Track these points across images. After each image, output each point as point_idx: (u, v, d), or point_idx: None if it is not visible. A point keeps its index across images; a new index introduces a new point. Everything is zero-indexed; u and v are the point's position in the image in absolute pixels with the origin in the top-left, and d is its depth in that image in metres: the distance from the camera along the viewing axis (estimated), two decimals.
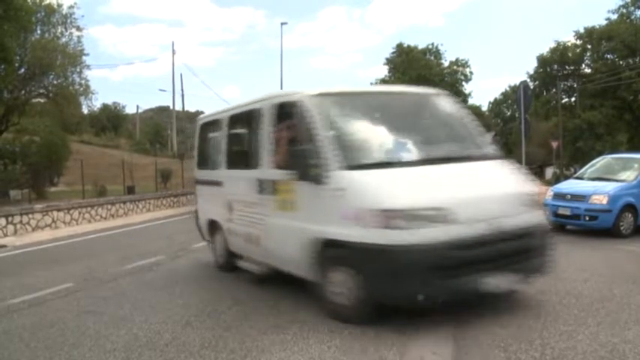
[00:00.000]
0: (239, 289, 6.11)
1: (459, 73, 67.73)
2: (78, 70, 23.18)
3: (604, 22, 38.68)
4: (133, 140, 47.68)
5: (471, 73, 67.62)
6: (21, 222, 13.48)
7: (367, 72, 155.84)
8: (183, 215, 16.33)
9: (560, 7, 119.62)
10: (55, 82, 22.98)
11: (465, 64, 67.60)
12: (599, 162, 11.20)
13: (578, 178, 11.28)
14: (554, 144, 33.99)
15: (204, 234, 7.76)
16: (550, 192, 10.66)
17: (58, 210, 14.84)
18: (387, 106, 5.62)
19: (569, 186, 10.79)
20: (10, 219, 13.17)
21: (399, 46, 68.09)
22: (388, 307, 4.60)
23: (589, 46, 40.02)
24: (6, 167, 17.70)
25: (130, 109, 60.36)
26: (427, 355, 3.83)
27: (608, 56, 38.82)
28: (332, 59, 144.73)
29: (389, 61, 69.70)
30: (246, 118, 6.39)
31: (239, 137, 6.87)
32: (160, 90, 63.03)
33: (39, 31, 22.34)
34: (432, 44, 67.84)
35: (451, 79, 67.00)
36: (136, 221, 15.81)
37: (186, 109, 49.00)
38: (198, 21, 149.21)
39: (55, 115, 24.18)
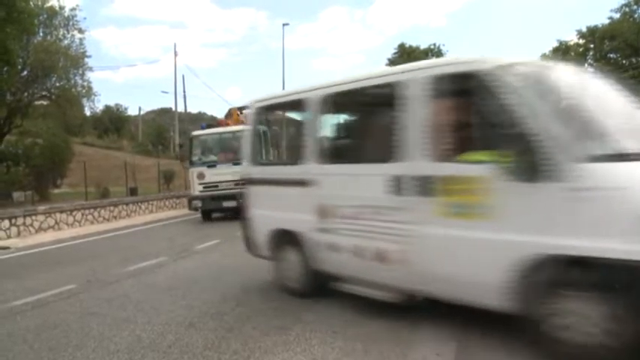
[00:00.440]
0: (242, 290, 6.10)
1: None
2: (80, 72, 23.24)
3: (607, 22, 38.56)
4: (135, 142, 47.72)
5: None
6: (24, 224, 13.51)
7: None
8: (185, 216, 16.36)
9: (562, 6, 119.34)
10: (57, 84, 23.03)
11: None
12: None
13: None
14: None
15: (260, 248, 6.04)
16: None
17: (61, 212, 14.87)
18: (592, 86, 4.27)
19: None
20: (13, 221, 13.20)
21: (401, 46, 68.22)
22: (388, 307, 4.59)
23: (592, 46, 39.93)
24: (9, 169, 17.73)
25: (133, 111, 60.38)
26: (430, 356, 3.82)
27: (611, 55, 38.73)
28: (334, 60, 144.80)
29: (391, 62, 69.75)
30: (366, 97, 5.11)
31: (351, 122, 5.56)
32: (163, 92, 63.35)
33: (41, 34, 22.38)
34: (434, 44, 67.54)
35: None
36: (138, 222, 15.82)
37: (188, 110, 49.06)
38: (199, 22, 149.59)
39: (58, 117, 24.23)
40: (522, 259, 3.52)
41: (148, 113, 64.78)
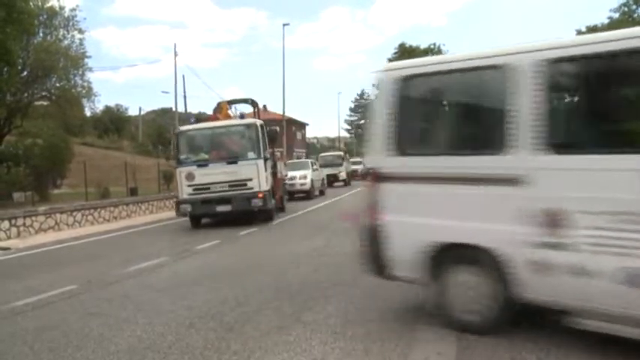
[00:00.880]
0: (242, 290, 6.10)
1: None
2: (80, 72, 23.29)
3: (606, 22, 38.59)
4: (135, 142, 47.73)
5: None
6: (24, 224, 13.51)
7: (370, 72, 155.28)
8: (186, 217, 16.34)
9: (562, 6, 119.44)
10: (57, 84, 23.07)
11: None
12: None
13: None
14: None
15: (402, 268, 4.50)
16: None
17: (61, 212, 14.87)
18: None
19: None
20: (13, 221, 13.21)
21: (402, 46, 68.17)
22: (388, 307, 4.59)
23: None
24: (9, 170, 17.73)
25: (133, 111, 60.44)
26: (432, 356, 3.81)
27: None
28: (335, 60, 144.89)
29: (391, 61, 69.64)
30: (622, 62, 3.69)
31: (594, 94, 3.99)
32: (163, 92, 63.32)
33: (41, 34, 22.43)
34: (434, 44, 67.54)
35: None
36: (139, 223, 15.82)
37: (188, 110, 49.08)
38: (200, 22, 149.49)
39: (58, 117, 24.27)
40: None
41: (149, 113, 64.82)
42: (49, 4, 22.29)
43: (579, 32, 40.15)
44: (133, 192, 20.13)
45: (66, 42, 23.07)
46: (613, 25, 36.96)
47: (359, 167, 44.59)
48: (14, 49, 17.60)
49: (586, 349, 3.82)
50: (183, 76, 54.96)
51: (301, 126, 64.20)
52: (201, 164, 12.99)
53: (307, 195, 22.00)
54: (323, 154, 39.29)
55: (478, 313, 4.12)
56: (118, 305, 5.78)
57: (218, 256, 8.92)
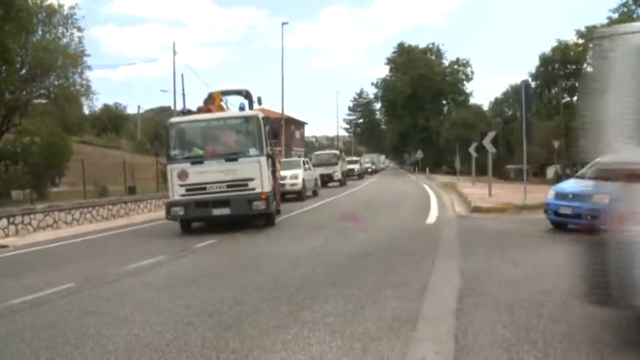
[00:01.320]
0: (240, 289, 6.10)
1: (460, 73, 67.90)
2: (79, 70, 23.27)
3: (606, 22, 38.63)
4: (134, 141, 47.68)
5: (472, 72, 68.05)
6: (22, 222, 13.49)
7: (369, 72, 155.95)
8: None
9: (561, 6, 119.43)
10: (56, 82, 23.03)
11: (465, 64, 67.89)
12: None
13: (579, 177, 11.25)
14: (556, 143, 33.97)
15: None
16: (552, 191, 10.65)
17: (60, 210, 14.85)
18: None
19: (570, 185, 10.77)
20: (11, 219, 13.19)
21: (400, 45, 68.04)
22: (386, 306, 4.60)
23: (591, 45, 40.00)
24: (7, 168, 17.71)
25: (132, 110, 60.33)
26: (429, 355, 3.81)
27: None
28: (333, 59, 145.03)
29: (390, 61, 69.83)
30: None
31: None
32: (162, 90, 63.24)
33: (40, 32, 22.38)
34: (433, 44, 67.54)
35: (452, 79, 67.31)
36: (137, 221, 15.81)
37: (187, 109, 48.94)
38: (199, 21, 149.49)
39: (57, 115, 24.21)
40: None
41: (147, 112, 64.67)
42: (47, 2, 22.28)
43: (579, 32, 40.26)
44: (132, 190, 20.12)
45: (65, 40, 23.06)
46: (613, 24, 37.01)
47: (355, 166, 44.14)
48: (13, 47, 17.57)
49: (584, 349, 3.83)
50: (182, 75, 54.77)
51: (300, 125, 64.20)
52: (196, 161, 11.50)
53: (298, 196, 20.76)
54: (317, 153, 38.23)
55: None
56: (116, 303, 5.77)
57: (216, 255, 8.91)
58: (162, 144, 13.30)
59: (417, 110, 64.34)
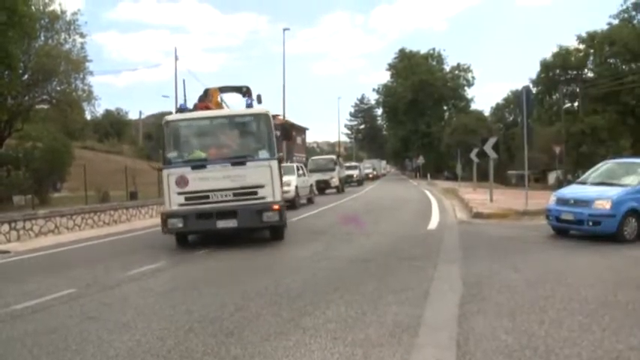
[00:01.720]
0: (241, 295, 6.09)
1: (461, 78, 68.04)
2: (81, 76, 23.30)
3: (606, 27, 38.75)
4: (136, 146, 47.77)
5: (473, 78, 68.24)
6: (24, 228, 13.50)
7: (370, 77, 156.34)
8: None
9: (562, 12, 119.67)
10: (58, 88, 23.09)
11: (467, 69, 68.04)
12: (603, 167, 11.17)
13: (581, 183, 11.25)
14: (557, 148, 33.97)
15: None
16: (553, 197, 10.65)
17: (61, 216, 14.85)
18: None
19: (572, 191, 10.77)
20: (13, 225, 13.19)
21: (402, 51, 68.17)
22: (388, 312, 4.59)
23: (592, 51, 40.07)
24: (9, 173, 17.73)
25: (133, 115, 60.50)
26: None
27: (611, 61, 38.86)
28: (335, 65, 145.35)
29: (391, 67, 69.98)
30: None
31: None
32: (164, 96, 63.37)
33: (43, 38, 22.45)
34: (434, 49, 67.69)
35: (453, 84, 67.43)
36: (138, 227, 15.81)
37: None
38: (201, 27, 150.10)
39: (59, 121, 24.27)
40: None
41: (149, 117, 64.83)
42: (50, 8, 22.35)
43: (579, 38, 40.31)
44: (133, 196, 20.12)
45: (67, 46, 23.11)
46: (613, 30, 37.06)
47: (354, 172, 42.63)
48: (15, 53, 17.63)
49: (586, 355, 3.82)
50: (184, 80, 55.11)
51: (301, 130, 64.25)
52: (197, 165, 9.94)
53: (291, 204, 18.83)
54: (314, 158, 36.44)
55: None
56: (117, 309, 5.77)
57: (217, 261, 8.90)
58: (159, 145, 11.23)
59: (418, 116, 64.47)
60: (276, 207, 9.86)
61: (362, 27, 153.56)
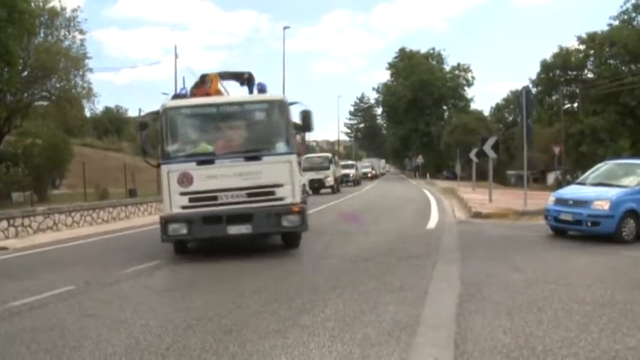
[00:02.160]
0: (240, 293, 6.09)
1: (461, 78, 68.09)
2: (81, 73, 23.32)
3: (606, 28, 38.75)
4: (135, 143, 47.78)
5: (473, 77, 68.26)
6: (22, 224, 13.48)
7: (370, 76, 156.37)
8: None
9: (562, 13, 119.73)
10: (57, 85, 23.10)
11: (466, 69, 68.07)
12: (602, 167, 11.18)
13: (580, 183, 11.26)
14: (556, 149, 33.99)
15: None
16: (552, 197, 10.66)
17: (60, 212, 14.84)
18: None
19: (571, 191, 10.78)
20: (11, 221, 13.17)
21: (402, 50, 68.15)
22: (386, 311, 4.59)
23: (592, 52, 40.09)
24: (8, 170, 17.71)
25: (133, 112, 60.46)
26: None
27: (611, 62, 38.88)
28: (335, 63, 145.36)
29: (391, 66, 69.98)
30: None
31: None
32: (163, 93, 63.20)
33: (42, 35, 22.46)
34: (434, 49, 67.66)
35: (453, 84, 67.50)
36: (137, 224, 15.79)
37: None
38: (202, 24, 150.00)
39: (58, 118, 24.30)
40: None
41: (148, 115, 64.92)
42: (50, 5, 22.35)
43: (580, 38, 40.32)
44: (132, 193, 20.12)
45: (67, 43, 23.13)
46: (613, 31, 37.07)
47: (350, 171, 41.09)
48: (15, 50, 17.62)
49: (583, 356, 3.83)
50: (184, 78, 54.88)
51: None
52: (204, 160, 8.50)
53: None
54: (308, 156, 33.77)
55: None
56: (115, 306, 5.76)
57: (215, 259, 8.90)
58: (156, 137, 9.21)
59: (418, 115, 64.47)
60: (296, 209, 8.51)
61: (362, 26, 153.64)
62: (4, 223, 12.97)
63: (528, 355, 3.82)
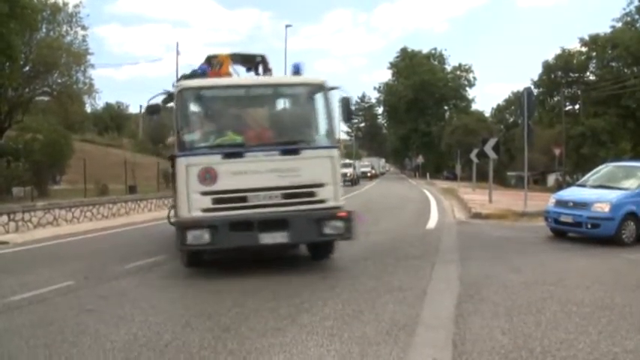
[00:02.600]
0: (239, 291, 6.09)
1: (463, 79, 68.06)
2: (82, 69, 23.36)
3: (609, 30, 38.68)
4: (135, 140, 47.73)
5: (474, 78, 68.21)
6: (23, 219, 13.48)
7: (371, 76, 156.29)
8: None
9: (564, 15, 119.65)
10: (59, 80, 23.13)
11: (468, 70, 68.01)
12: (602, 170, 11.17)
13: (580, 185, 11.26)
14: (557, 150, 33.97)
15: None
16: (552, 199, 10.66)
17: (60, 208, 14.83)
18: None
19: (571, 193, 10.77)
20: (12, 216, 13.18)
21: (403, 50, 68.16)
22: (385, 311, 4.60)
23: (594, 54, 40.03)
24: (9, 165, 17.72)
25: (134, 109, 60.42)
26: None
27: (613, 64, 38.81)
28: (336, 62, 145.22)
29: (392, 66, 69.94)
30: None
31: None
32: (164, 90, 62.98)
33: (44, 30, 22.47)
34: (436, 49, 67.65)
35: (454, 84, 67.46)
36: (137, 221, 15.80)
37: None
38: (204, 22, 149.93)
39: (59, 113, 24.33)
40: None
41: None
42: (52, 0, 22.35)
43: (582, 40, 40.27)
44: (132, 190, 20.11)
45: (69, 38, 23.18)
46: (616, 33, 37.03)
47: (348, 170, 40.99)
48: (17, 44, 17.61)
49: (582, 357, 3.83)
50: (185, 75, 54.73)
51: None
52: (231, 153, 6.84)
53: None
54: None
55: None
56: (114, 302, 5.77)
57: (215, 256, 8.89)
58: (171, 123, 7.62)
59: (419, 115, 64.45)
60: (342, 214, 7.06)
61: (364, 25, 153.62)
62: (5, 218, 12.98)
63: (527, 356, 3.82)
